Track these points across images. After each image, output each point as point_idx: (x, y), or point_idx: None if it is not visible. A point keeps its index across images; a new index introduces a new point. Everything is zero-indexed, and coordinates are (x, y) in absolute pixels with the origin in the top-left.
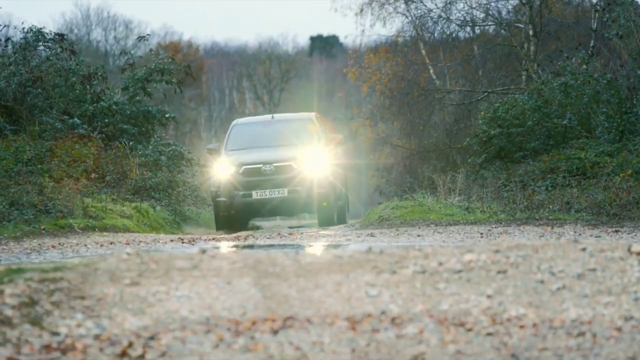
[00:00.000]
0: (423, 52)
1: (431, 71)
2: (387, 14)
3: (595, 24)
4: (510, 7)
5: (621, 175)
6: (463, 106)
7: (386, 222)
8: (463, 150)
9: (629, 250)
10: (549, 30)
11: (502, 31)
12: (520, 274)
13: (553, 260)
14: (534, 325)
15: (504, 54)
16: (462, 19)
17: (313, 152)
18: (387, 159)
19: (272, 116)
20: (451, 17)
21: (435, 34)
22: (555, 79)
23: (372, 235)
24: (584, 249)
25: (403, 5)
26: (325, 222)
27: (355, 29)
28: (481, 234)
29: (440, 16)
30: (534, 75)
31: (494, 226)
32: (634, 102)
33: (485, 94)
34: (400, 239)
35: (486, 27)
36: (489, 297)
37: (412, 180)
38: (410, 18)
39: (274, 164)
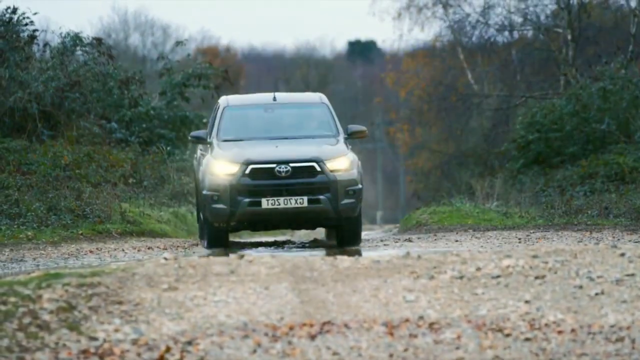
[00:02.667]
0: (461, 56)
1: (469, 76)
2: (425, 18)
3: (634, 29)
4: (548, 11)
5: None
6: (501, 111)
7: (424, 228)
8: (501, 155)
9: None
10: (587, 34)
11: (541, 36)
12: (559, 279)
13: (591, 266)
14: (572, 330)
15: (542, 59)
16: (500, 23)
17: (338, 150)
18: (425, 163)
19: (274, 96)
20: (489, 22)
21: (473, 39)
22: (593, 83)
23: (409, 240)
24: (622, 254)
25: (441, 10)
26: (350, 241)
27: (393, 34)
28: (519, 239)
29: (478, 21)
30: (572, 80)
31: (532, 231)
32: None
33: (523, 99)
34: (438, 244)
35: (524, 32)
36: (527, 302)
37: (450, 185)
38: (448, 22)
39: (291, 164)
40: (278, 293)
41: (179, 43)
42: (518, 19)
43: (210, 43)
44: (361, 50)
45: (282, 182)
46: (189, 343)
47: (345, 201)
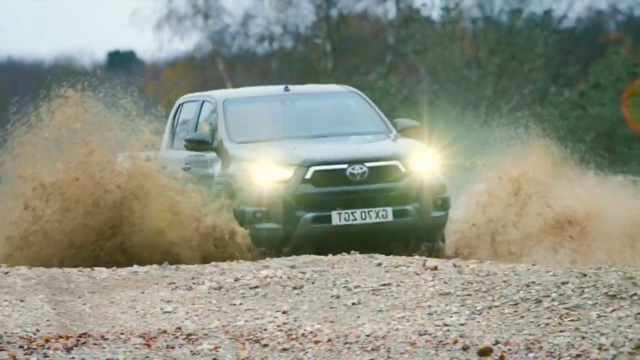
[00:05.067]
0: (221, 67)
1: (228, 86)
2: (185, 28)
3: (392, 40)
4: (308, 22)
5: None
6: None
7: None
8: None
9: (423, 265)
10: (346, 45)
11: (300, 46)
12: (316, 289)
13: (349, 276)
14: (329, 340)
15: (301, 69)
16: (260, 34)
17: (416, 146)
18: None
19: (286, 88)
20: (249, 33)
21: (233, 49)
22: None
23: None
24: (379, 264)
25: (201, 20)
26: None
27: (153, 44)
28: None
29: (238, 31)
30: None
31: None
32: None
33: None
34: None
35: (284, 42)
36: (284, 312)
37: None
38: (208, 33)
39: (367, 164)
40: (34, 305)
41: None
42: (278, 30)
43: None
44: (120, 60)
45: (356, 188)
46: None
47: (436, 213)
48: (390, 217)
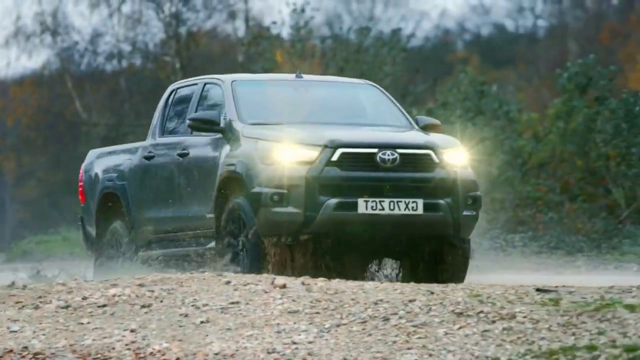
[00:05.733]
0: (69, 84)
1: (77, 104)
2: (33, 46)
3: (242, 58)
4: (157, 40)
5: None
6: (109, 139)
7: (30, 256)
8: None
9: (272, 283)
10: (196, 63)
11: (150, 64)
12: (165, 308)
13: (197, 294)
14: (177, 359)
15: (151, 87)
16: (109, 51)
17: (448, 138)
18: (32, 192)
19: (299, 74)
20: (98, 50)
21: (82, 67)
22: None
23: (17, 270)
24: (228, 282)
25: (49, 38)
26: (456, 274)
27: (0, 62)
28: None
29: (86, 49)
30: None
31: None
32: None
33: (132, 127)
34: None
35: (133, 60)
36: (132, 331)
37: (58, 214)
38: (56, 51)
39: (399, 150)
40: None
41: None
42: (127, 48)
43: None
44: None
45: (386, 175)
46: None
47: (466, 212)
48: (420, 210)
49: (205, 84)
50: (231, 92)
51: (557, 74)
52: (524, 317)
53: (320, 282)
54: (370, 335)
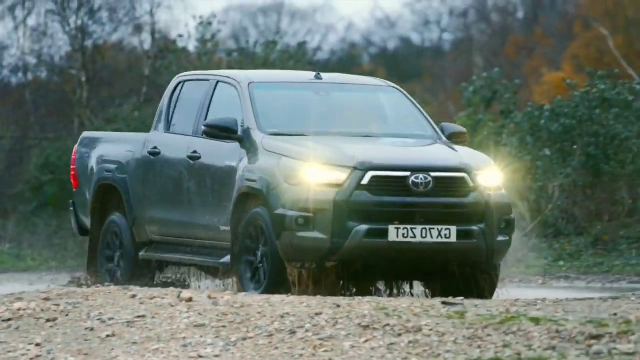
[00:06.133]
0: None
1: None
2: None
3: (148, 71)
4: (63, 53)
5: None
6: (15, 152)
7: None
8: (15, 197)
9: (178, 297)
10: (102, 76)
11: (55, 77)
12: (70, 322)
13: (103, 308)
14: None
15: (56, 100)
16: (14, 64)
17: (480, 157)
18: None
19: (318, 75)
20: (3, 63)
21: None
22: (108, 125)
23: None
24: (134, 296)
25: None
26: (485, 291)
27: None
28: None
29: None
30: (86, 121)
31: (44, 274)
32: None
33: (38, 140)
34: None
35: (39, 73)
36: (38, 345)
37: None
38: None
39: (433, 174)
40: None
41: None
42: (32, 60)
43: None
44: None
45: (419, 200)
46: None
47: (500, 238)
48: (453, 238)
49: (217, 83)
50: (248, 97)
51: (462, 88)
52: (430, 330)
53: (227, 295)
54: (276, 348)
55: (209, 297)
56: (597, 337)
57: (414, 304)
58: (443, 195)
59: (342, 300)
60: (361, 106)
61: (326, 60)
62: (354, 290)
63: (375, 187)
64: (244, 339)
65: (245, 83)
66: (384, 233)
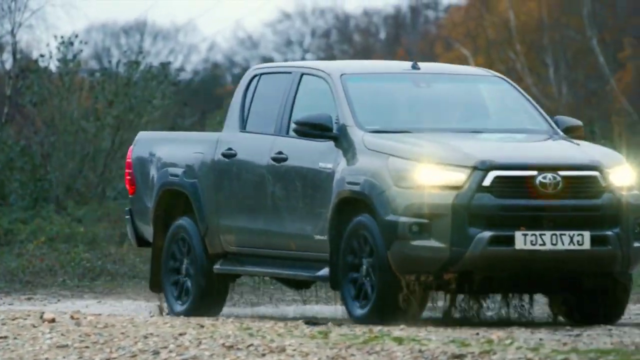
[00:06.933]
0: None
1: None
2: None
3: (9, 91)
4: None
5: (35, 242)
6: None
7: None
8: None
9: (41, 317)
10: None
11: None
12: None
13: None
14: None
15: None
16: None
17: (610, 153)
18: None
19: (415, 64)
20: None
21: None
22: None
23: None
24: None
25: None
26: (615, 310)
27: None
28: None
29: None
30: None
31: None
32: (48, 169)
33: None
34: None
35: None
36: None
37: None
38: None
39: (562, 172)
40: None
41: None
42: None
43: None
44: None
45: (548, 203)
46: None
47: (637, 244)
48: (587, 245)
49: (302, 75)
50: (342, 90)
51: None
52: (294, 350)
53: (90, 316)
54: None
55: (72, 317)
56: (460, 357)
57: (277, 324)
58: (573, 197)
59: (206, 321)
60: (466, 98)
61: (189, 80)
62: (473, 305)
63: (499, 188)
64: None
65: (337, 75)
66: (510, 240)
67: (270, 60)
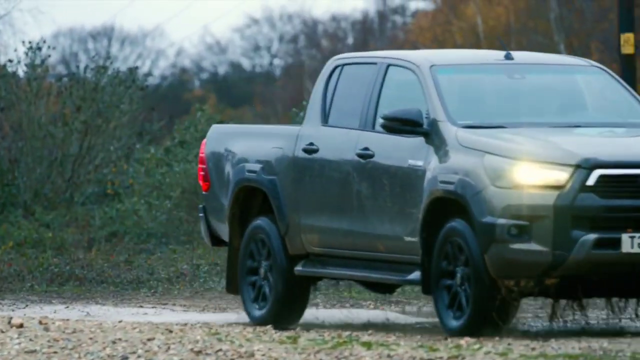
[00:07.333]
0: None
1: None
2: None
3: None
4: None
5: (2, 247)
6: None
7: None
8: None
9: (9, 322)
10: None
11: None
12: None
13: None
14: None
15: None
16: None
17: None
18: None
19: (508, 54)
20: None
21: None
22: None
23: None
24: None
25: None
26: None
27: None
28: None
29: None
30: None
31: None
32: (15, 174)
33: None
34: None
35: None
36: None
37: None
38: None
39: None
40: None
41: None
42: None
43: None
44: None
45: None
46: None
47: None
48: None
49: (388, 66)
50: (432, 82)
51: (293, 113)
52: (263, 355)
53: (59, 321)
54: None
55: (40, 322)
56: None
57: (246, 329)
58: None
59: (175, 326)
60: (563, 90)
61: (157, 85)
62: (577, 311)
63: (604, 188)
64: None
65: (426, 66)
66: (616, 243)
67: (238, 66)
